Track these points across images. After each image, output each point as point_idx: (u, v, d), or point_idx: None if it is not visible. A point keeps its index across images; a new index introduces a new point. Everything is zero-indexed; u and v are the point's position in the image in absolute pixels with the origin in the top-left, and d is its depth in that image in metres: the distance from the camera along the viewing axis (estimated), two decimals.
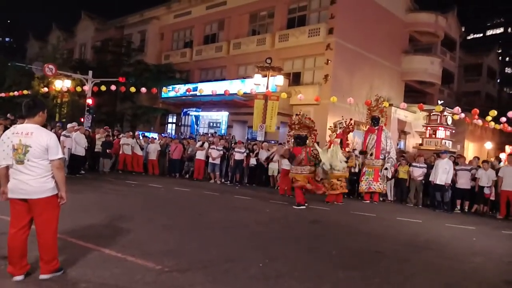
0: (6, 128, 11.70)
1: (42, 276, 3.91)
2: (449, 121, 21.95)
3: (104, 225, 6.46)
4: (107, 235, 5.79)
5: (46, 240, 3.89)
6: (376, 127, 12.78)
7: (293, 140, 10.40)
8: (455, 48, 32.64)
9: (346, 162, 10.91)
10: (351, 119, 12.15)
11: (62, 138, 12.32)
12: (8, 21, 74.24)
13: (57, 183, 3.91)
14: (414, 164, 12.90)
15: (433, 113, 21.64)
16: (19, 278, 3.82)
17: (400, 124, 23.67)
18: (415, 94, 27.46)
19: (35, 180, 3.78)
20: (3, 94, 24.48)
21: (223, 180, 14.71)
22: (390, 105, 19.31)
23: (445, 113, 21.28)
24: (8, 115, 14.92)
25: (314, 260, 5.43)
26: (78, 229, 5.84)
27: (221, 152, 14.38)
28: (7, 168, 3.83)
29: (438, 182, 11.72)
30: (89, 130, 16.02)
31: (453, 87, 33.14)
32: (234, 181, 14.45)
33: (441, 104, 19.50)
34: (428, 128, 22.56)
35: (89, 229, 6.06)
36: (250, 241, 6.22)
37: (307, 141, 10.19)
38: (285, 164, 12.02)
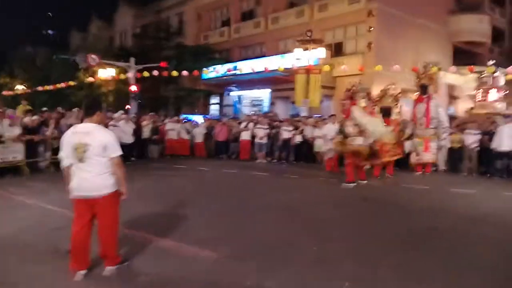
0: (57, 122, 12.11)
1: (108, 268, 4.15)
2: (502, 82, 20.66)
3: (158, 214, 6.67)
4: (162, 224, 5.97)
5: (107, 236, 4.11)
6: (425, 96, 12.26)
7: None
8: (505, 2, 30.27)
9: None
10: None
11: (110, 128, 12.56)
12: (50, 14, 76.01)
13: (118, 179, 4.10)
14: (467, 131, 12.29)
15: (484, 74, 20.44)
16: (82, 272, 4.06)
17: (450, 88, 22.54)
18: (463, 56, 25.92)
19: (96, 177, 3.97)
20: (51, 87, 25.35)
21: (269, 159, 14.74)
22: (439, 69, 18.39)
23: (497, 73, 20.00)
24: (59, 108, 15.34)
25: (368, 241, 5.40)
26: (133, 219, 5.98)
27: (268, 131, 14.36)
28: (70, 166, 4.06)
29: (505, 149, 10.98)
30: (136, 116, 16.32)
31: (503, 45, 30.98)
32: (281, 159, 14.44)
33: (492, 64, 18.26)
34: (480, 91, 21.38)
35: (144, 219, 6.25)
36: (301, 224, 6.24)
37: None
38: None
